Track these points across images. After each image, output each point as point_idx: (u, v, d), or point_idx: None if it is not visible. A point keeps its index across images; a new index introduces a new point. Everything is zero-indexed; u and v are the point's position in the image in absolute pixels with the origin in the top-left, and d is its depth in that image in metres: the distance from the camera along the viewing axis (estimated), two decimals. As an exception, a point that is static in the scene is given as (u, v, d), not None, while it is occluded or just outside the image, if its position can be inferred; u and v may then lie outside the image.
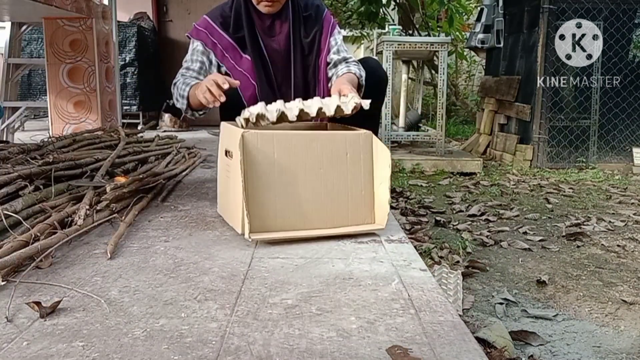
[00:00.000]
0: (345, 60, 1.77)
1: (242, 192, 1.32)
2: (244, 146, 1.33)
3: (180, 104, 1.71)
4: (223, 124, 1.58)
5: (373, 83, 1.79)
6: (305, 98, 1.78)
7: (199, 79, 1.73)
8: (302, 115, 1.46)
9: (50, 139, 2.36)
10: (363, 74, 1.74)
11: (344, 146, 1.43)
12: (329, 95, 1.73)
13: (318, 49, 1.78)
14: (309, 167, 1.39)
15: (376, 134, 1.54)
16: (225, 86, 1.44)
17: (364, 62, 1.89)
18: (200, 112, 1.77)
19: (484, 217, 2.69)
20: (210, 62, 1.76)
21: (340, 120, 1.69)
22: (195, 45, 1.76)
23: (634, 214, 2.74)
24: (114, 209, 1.57)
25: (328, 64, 1.78)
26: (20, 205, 1.48)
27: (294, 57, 1.76)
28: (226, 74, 1.75)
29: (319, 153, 1.40)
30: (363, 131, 1.48)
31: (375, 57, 2.11)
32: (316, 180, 1.40)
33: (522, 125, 4.39)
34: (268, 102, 1.74)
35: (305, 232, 1.39)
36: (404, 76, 4.94)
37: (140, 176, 1.80)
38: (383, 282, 1.11)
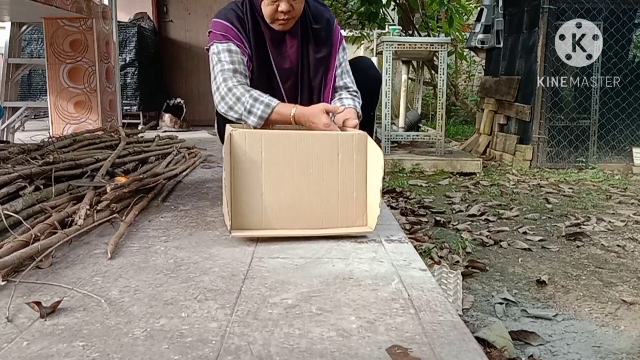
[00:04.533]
0: (346, 88, 1.72)
1: (224, 189, 1.34)
2: (231, 145, 1.34)
3: (253, 122, 1.54)
4: (227, 126, 1.57)
5: (366, 82, 1.76)
6: None
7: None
8: None
9: (50, 139, 2.36)
10: (359, 105, 1.70)
11: (335, 147, 1.42)
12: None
13: (327, 66, 1.71)
14: (297, 167, 1.39)
15: (371, 135, 1.53)
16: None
17: (357, 61, 1.86)
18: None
19: (483, 217, 2.69)
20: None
21: None
22: (227, 45, 1.59)
23: (634, 214, 2.74)
24: (114, 209, 1.57)
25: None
26: (21, 205, 1.49)
27: (301, 72, 1.70)
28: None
29: (308, 153, 1.40)
30: (357, 132, 1.46)
31: (369, 57, 2.08)
32: (305, 180, 1.40)
33: (521, 125, 4.39)
34: None
35: (290, 231, 1.39)
36: (404, 76, 4.94)
37: (141, 176, 1.80)
38: (383, 282, 1.11)
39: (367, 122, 1.79)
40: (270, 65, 1.68)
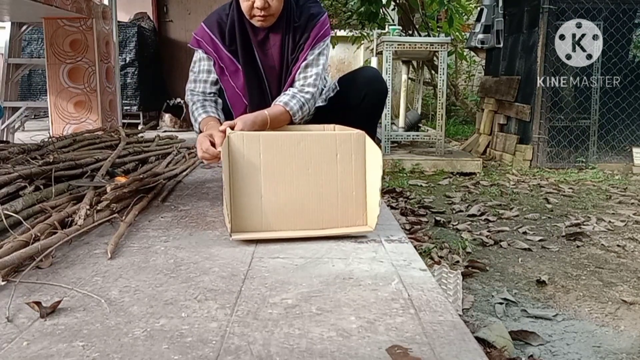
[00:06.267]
0: (297, 81, 1.68)
1: (224, 192, 1.34)
2: (230, 147, 1.34)
3: (195, 129, 1.75)
4: (227, 129, 1.57)
5: (368, 95, 1.75)
6: None
7: (212, 90, 1.76)
8: None
9: (50, 139, 2.36)
10: (301, 107, 1.65)
11: (334, 147, 1.42)
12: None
13: (296, 61, 1.69)
14: (296, 168, 1.39)
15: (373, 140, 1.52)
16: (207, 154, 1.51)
17: (360, 71, 1.85)
18: None
19: (483, 217, 2.69)
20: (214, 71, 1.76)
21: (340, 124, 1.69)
22: (199, 54, 1.75)
23: (634, 214, 2.74)
24: (114, 209, 1.57)
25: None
26: (21, 205, 1.49)
27: (285, 70, 1.71)
28: (220, 89, 1.78)
29: (306, 154, 1.40)
30: (355, 131, 1.46)
31: (374, 68, 2.04)
32: (304, 181, 1.40)
33: (521, 125, 4.39)
34: None
35: (290, 232, 1.39)
36: (404, 76, 4.94)
37: (141, 176, 1.80)
38: (383, 282, 1.11)
39: (369, 132, 1.76)
40: (256, 63, 1.71)
